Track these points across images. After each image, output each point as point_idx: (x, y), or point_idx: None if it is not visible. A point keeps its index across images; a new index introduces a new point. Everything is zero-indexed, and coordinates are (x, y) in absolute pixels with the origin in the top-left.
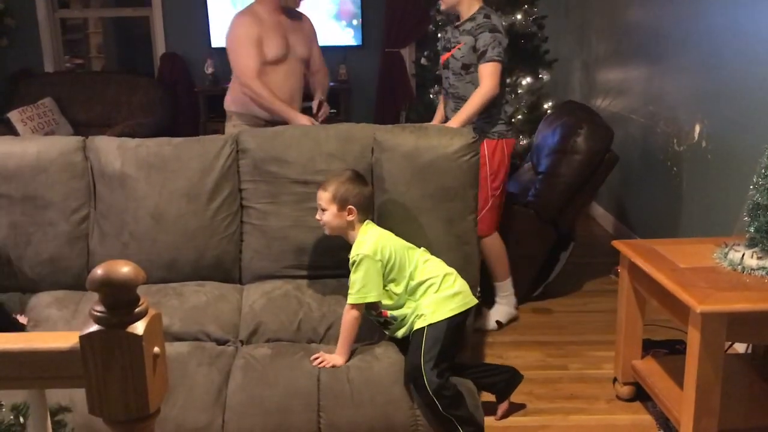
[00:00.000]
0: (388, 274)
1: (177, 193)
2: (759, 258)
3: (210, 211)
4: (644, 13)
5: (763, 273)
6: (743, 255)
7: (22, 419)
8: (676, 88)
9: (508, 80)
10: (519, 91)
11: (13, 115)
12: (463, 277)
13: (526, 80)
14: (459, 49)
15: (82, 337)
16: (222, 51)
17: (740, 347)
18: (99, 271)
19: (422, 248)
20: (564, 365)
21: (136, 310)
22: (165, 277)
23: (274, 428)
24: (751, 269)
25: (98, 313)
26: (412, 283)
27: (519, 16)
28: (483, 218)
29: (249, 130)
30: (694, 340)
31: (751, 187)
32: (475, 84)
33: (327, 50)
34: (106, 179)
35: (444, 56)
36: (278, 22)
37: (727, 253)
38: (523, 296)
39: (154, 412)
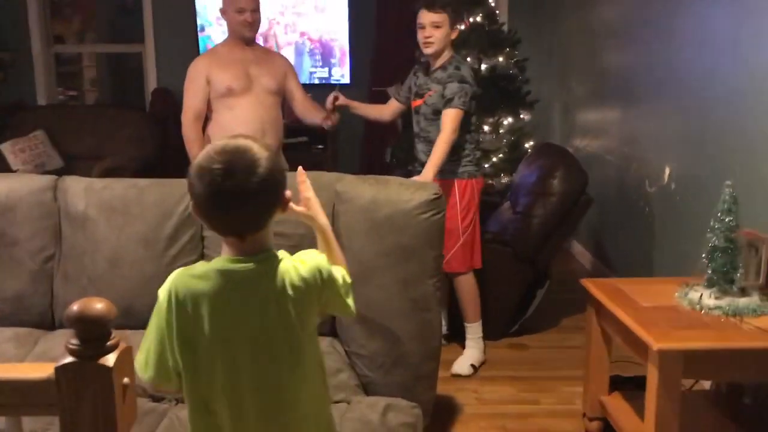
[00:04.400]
0: None
1: (134, 238)
2: (716, 298)
3: (167, 258)
4: (621, 58)
5: (720, 312)
6: (701, 295)
7: None
8: (648, 131)
9: (490, 119)
10: (500, 131)
11: (5, 147)
12: (422, 348)
13: (508, 120)
14: (430, 96)
15: (57, 368)
16: None
17: (707, 384)
18: (75, 307)
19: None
20: (536, 400)
21: (108, 343)
22: (122, 324)
23: None
24: (709, 309)
25: (73, 346)
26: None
27: (501, 59)
28: (455, 255)
29: None
30: (652, 377)
31: (708, 230)
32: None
33: (317, 88)
34: (70, 220)
35: (416, 102)
36: (240, 57)
37: (687, 293)
38: (500, 332)
39: None
